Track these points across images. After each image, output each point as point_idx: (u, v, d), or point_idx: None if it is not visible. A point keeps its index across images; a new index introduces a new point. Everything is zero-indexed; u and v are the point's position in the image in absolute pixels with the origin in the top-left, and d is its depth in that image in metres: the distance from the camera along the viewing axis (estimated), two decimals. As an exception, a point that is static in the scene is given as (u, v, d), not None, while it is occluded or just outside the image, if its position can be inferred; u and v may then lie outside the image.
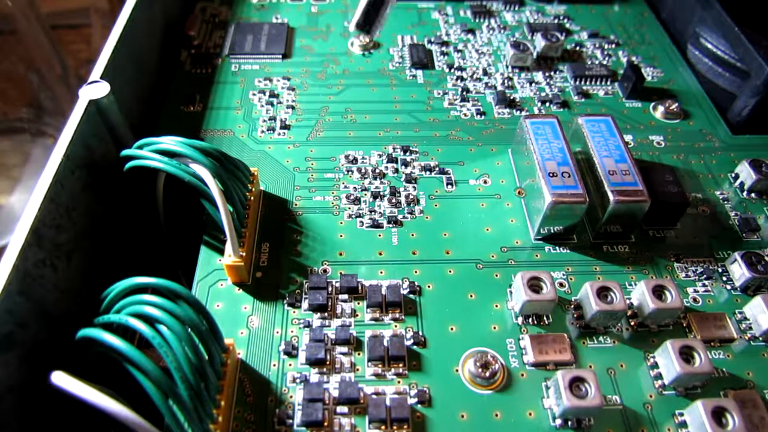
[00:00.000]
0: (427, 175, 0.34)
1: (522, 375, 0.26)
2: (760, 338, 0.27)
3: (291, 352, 0.26)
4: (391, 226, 0.31)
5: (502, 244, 0.31)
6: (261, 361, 0.26)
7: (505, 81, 0.40)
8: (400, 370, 0.26)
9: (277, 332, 0.27)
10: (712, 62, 0.40)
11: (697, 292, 0.29)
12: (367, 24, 0.27)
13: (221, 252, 0.27)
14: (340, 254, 0.30)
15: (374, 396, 0.25)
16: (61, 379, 0.19)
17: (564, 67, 0.41)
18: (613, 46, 0.43)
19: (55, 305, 0.24)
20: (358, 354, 0.26)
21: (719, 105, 0.39)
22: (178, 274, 0.30)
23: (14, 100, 0.55)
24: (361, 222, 0.31)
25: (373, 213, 0.32)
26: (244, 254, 0.27)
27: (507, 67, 0.41)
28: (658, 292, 0.27)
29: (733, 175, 0.34)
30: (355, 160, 0.34)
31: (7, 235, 0.45)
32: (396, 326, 0.27)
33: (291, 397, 0.25)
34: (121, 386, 0.21)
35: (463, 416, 0.25)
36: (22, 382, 0.22)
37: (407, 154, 0.35)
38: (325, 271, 0.29)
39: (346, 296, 0.28)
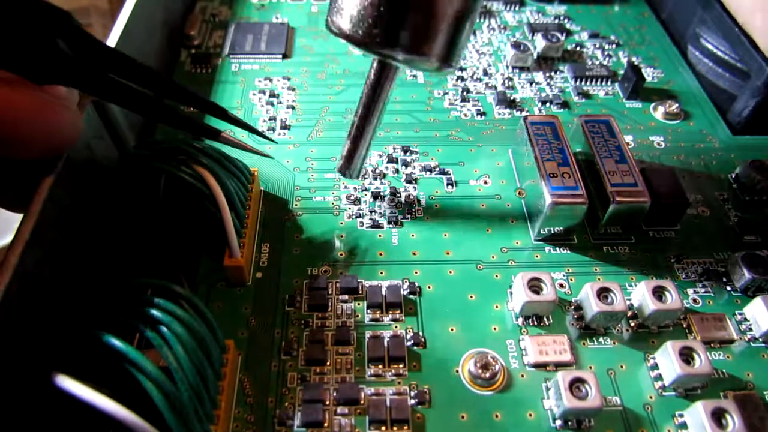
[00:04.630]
0: (427, 175, 0.34)
1: (522, 376, 0.26)
2: (760, 339, 0.27)
3: (291, 353, 0.26)
4: (391, 226, 0.31)
5: (503, 244, 0.31)
6: (261, 361, 0.26)
7: (506, 81, 0.40)
8: (400, 371, 0.26)
9: (278, 333, 0.27)
10: (713, 63, 0.40)
11: (697, 293, 0.29)
12: (349, 170, 0.29)
13: (222, 253, 0.27)
14: (341, 254, 0.30)
15: (374, 396, 0.25)
16: (62, 380, 0.19)
17: (564, 67, 0.41)
18: (614, 46, 0.43)
19: (55, 305, 0.24)
20: (359, 355, 0.26)
21: (719, 106, 0.39)
22: (178, 275, 0.30)
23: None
24: (362, 222, 0.31)
25: (373, 213, 0.32)
26: (244, 254, 0.27)
27: (507, 67, 0.41)
28: (658, 293, 0.27)
29: (733, 175, 0.34)
30: (355, 161, 0.34)
31: (7, 235, 0.45)
32: (396, 327, 0.27)
33: (291, 397, 0.25)
34: (121, 386, 0.21)
35: (463, 417, 0.25)
36: (22, 384, 0.22)
37: (407, 154, 0.35)
38: (325, 271, 0.29)
39: (346, 297, 0.28)
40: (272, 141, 0.30)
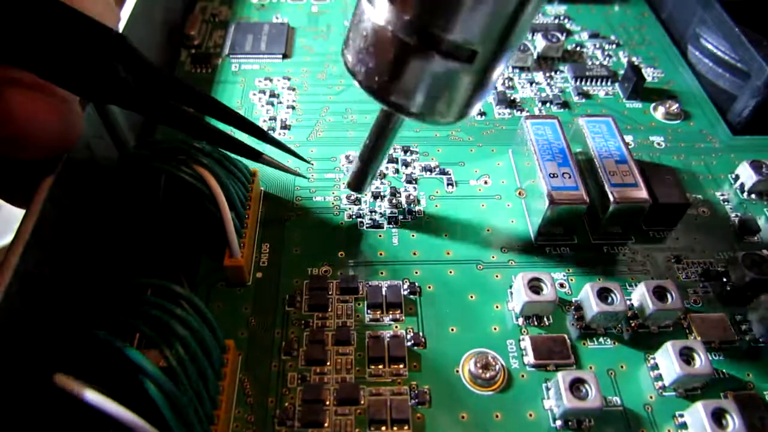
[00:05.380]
0: (427, 175, 0.34)
1: (522, 376, 0.26)
2: (760, 340, 0.27)
3: (291, 353, 0.26)
4: (391, 226, 0.31)
5: (503, 244, 0.31)
6: (261, 361, 0.26)
7: (506, 81, 0.40)
8: (400, 371, 0.26)
9: (278, 333, 0.27)
10: (713, 63, 0.40)
11: (697, 293, 0.29)
12: (356, 186, 0.30)
13: (222, 253, 0.27)
14: (341, 254, 0.30)
15: (374, 396, 0.25)
16: (63, 380, 0.19)
17: (564, 67, 0.41)
18: (614, 46, 0.43)
19: (55, 305, 0.24)
20: (359, 355, 0.26)
21: (719, 106, 0.39)
22: (178, 275, 0.30)
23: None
24: (362, 222, 0.31)
25: (373, 213, 0.32)
26: (244, 254, 0.27)
27: (507, 67, 0.41)
28: (658, 293, 0.27)
29: (734, 176, 0.34)
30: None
31: (7, 235, 0.45)
32: (396, 327, 0.27)
33: (291, 397, 0.25)
34: (121, 386, 0.21)
35: (463, 417, 0.25)
36: (23, 384, 0.22)
37: (407, 154, 0.35)
38: (325, 271, 0.29)
39: (346, 297, 0.28)
40: (308, 162, 0.31)
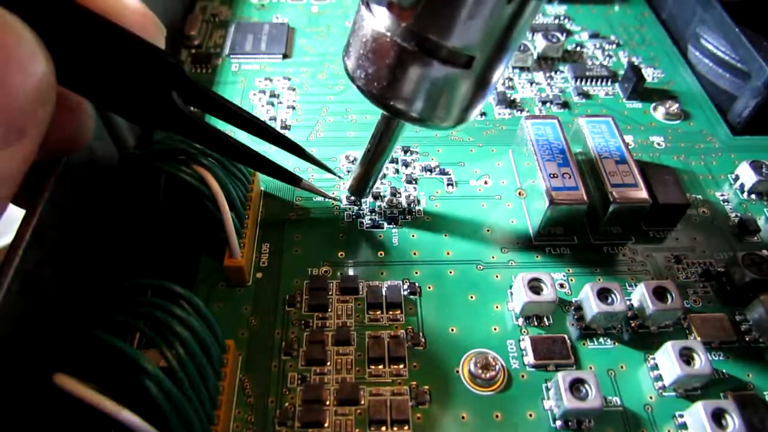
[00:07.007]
0: (427, 175, 0.34)
1: (522, 376, 0.26)
2: (761, 340, 0.27)
3: (291, 353, 0.26)
4: (391, 226, 0.31)
5: (503, 245, 0.31)
6: (261, 361, 0.26)
7: (506, 81, 0.40)
8: (400, 371, 0.26)
9: (278, 333, 0.27)
10: (713, 63, 0.40)
11: (697, 293, 0.29)
12: (358, 191, 0.31)
13: (222, 253, 0.27)
14: (340, 254, 0.30)
15: (374, 396, 0.25)
16: (63, 380, 0.19)
17: (564, 67, 0.41)
18: (614, 46, 0.43)
19: (55, 305, 0.24)
20: (359, 355, 0.26)
21: (720, 106, 0.39)
22: (178, 275, 0.30)
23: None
24: (362, 222, 0.31)
25: (373, 213, 0.32)
26: (244, 254, 0.27)
27: (507, 67, 0.41)
28: (658, 293, 0.27)
29: (734, 176, 0.34)
30: (355, 161, 0.34)
31: (7, 235, 0.45)
32: (396, 327, 0.27)
33: (291, 397, 0.25)
34: (121, 386, 0.21)
35: (463, 417, 0.25)
36: (23, 384, 0.22)
37: (408, 154, 0.35)
38: (325, 271, 0.29)
39: (346, 297, 0.28)
40: (339, 177, 0.32)
